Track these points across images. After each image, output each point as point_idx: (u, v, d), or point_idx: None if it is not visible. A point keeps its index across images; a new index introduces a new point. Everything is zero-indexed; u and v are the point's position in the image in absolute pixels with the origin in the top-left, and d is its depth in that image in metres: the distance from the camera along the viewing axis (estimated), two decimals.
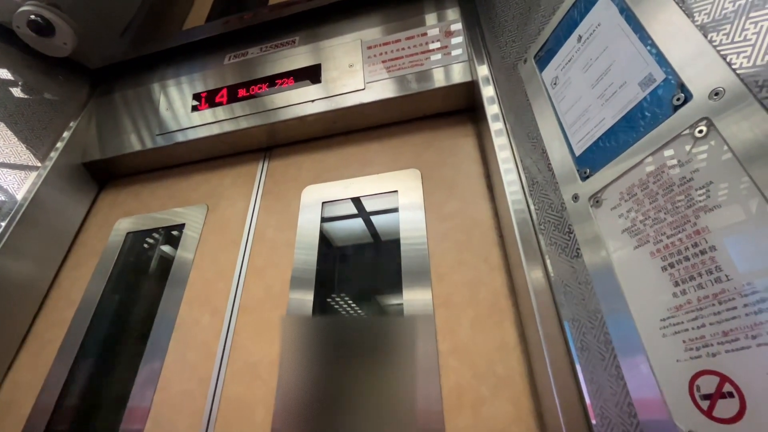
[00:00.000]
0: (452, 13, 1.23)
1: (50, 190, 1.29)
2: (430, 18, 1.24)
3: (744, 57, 0.45)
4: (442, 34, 1.19)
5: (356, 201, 1.16)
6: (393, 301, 1.06)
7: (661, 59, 0.54)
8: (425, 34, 1.21)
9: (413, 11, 1.27)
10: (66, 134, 1.39)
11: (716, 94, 0.47)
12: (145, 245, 1.34)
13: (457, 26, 1.19)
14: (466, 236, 0.99)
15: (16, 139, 1.25)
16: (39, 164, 1.29)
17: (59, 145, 1.36)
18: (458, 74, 1.12)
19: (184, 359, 1.02)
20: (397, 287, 0.96)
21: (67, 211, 1.35)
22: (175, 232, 1.29)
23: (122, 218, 1.36)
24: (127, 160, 1.41)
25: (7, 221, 1.15)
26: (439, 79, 1.14)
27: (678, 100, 0.51)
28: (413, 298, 0.93)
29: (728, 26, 0.47)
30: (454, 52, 1.15)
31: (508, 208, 0.84)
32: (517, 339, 0.83)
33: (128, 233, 1.32)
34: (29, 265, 1.20)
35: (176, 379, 1.00)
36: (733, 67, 0.46)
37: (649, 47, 0.56)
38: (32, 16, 1.19)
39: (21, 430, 1.01)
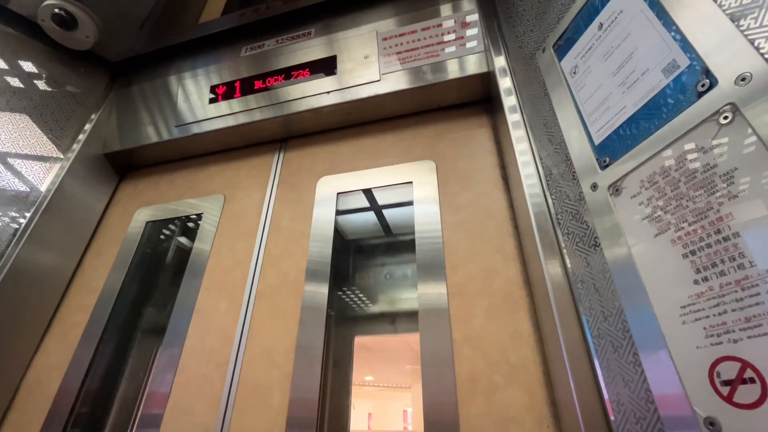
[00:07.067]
0: (468, 4, 1.22)
1: (73, 181, 1.32)
2: (446, 9, 1.23)
3: None
4: (458, 24, 1.18)
5: (371, 192, 1.17)
6: (408, 289, 1.07)
7: (685, 45, 0.54)
8: (441, 25, 1.20)
9: (429, 2, 1.27)
10: (88, 126, 1.42)
11: (743, 79, 0.46)
12: (164, 234, 1.37)
13: (474, 17, 1.18)
14: (480, 227, 0.99)
15: (41, 131, 1.29)
16: (62, 156, 1.32)
17: (81, 137, 1.39)
18: (474, 65, 1.12)
19: (202, 344, 1.05)
20: (411, 277, 0.97)
21: (89, 200, 1.39)
22: (192, 222, 1.32)
23: (142, 208, 1.39)
24: (146, 151, 1.44)
25: (32, 211, 1.19)
26: (454, 71, 1.13)
27: (703, 86, 0.50)
28: (428, 287, 0.94)
29: (757, 11, 0.46)
30: (470, 43, 1.15)
31: (524, 199, 0.84)
32: (531, 328, 0.83)
33: (147, 222, 1.35)
34: (54, 253, 1.24)
35: (195, 363, 1.02)
36: (761, 51, 0.45)
37: (673, 33, 0.56)
38: (56, 10, 1.22)
39: (48, 410, 1.05)
